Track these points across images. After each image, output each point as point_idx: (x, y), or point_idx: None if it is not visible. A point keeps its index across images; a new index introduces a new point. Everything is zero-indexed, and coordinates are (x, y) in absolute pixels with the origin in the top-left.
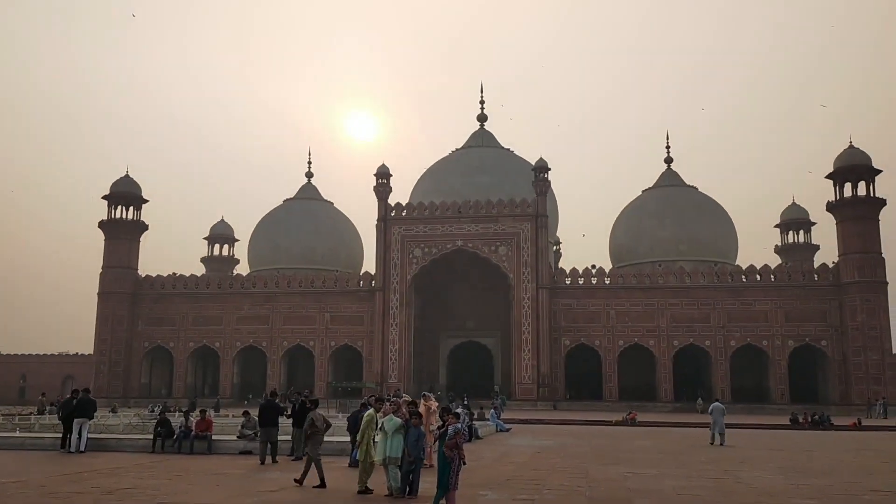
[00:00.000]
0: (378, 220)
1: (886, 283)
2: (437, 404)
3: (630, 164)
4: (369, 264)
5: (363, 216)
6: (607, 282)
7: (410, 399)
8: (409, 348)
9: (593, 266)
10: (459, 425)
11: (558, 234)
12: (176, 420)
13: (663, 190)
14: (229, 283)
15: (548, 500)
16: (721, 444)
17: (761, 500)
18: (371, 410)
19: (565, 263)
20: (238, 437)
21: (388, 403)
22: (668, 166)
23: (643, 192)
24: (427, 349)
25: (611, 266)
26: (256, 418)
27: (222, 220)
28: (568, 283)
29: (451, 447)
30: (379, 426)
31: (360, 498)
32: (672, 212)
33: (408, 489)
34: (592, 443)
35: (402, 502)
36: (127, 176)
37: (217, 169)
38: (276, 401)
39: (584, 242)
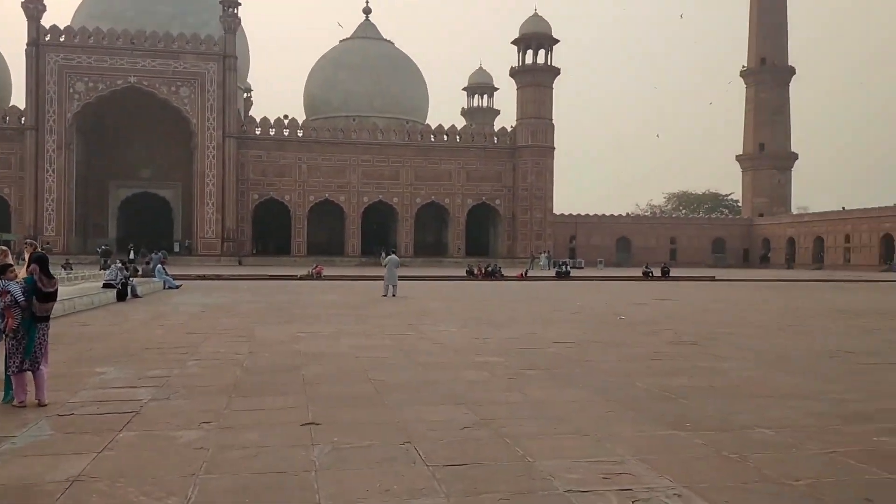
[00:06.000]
0: (28, 45)
1: (554, 148)
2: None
3: (330, 11)
4: (19, 97)
5: (8, 37)
6: (300, 134)
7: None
8: (70, 198)
9: (286, 116)
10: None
11: (249, 80)
12: None
13: (359, 42)
14: None
15: (189, 376)
16: (393, 296)
17: (447, 358)
18: None
19: (257, 113)
20: None
21: None
22: (367, 17)
23: (340, 42)
24: (93, 200)
25: (304, 118)
26: None
27: None
28: (258, 133)
29: None
30: None
31: None
32: (368, 66)
33: None
34: (271, 299)
35: None
36: None
37: None
38: None
39: (276, 93)
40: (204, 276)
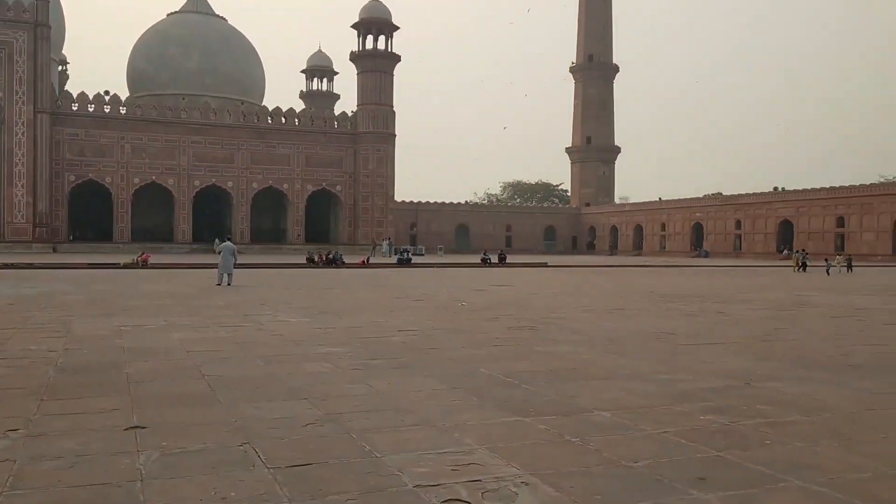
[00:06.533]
0: None
1: (395, 135)
2: None
3: None
4: None
5: None
6: (123, 111)
7: None
8: None
9: (106, 92)
10: None
11: (65, 52)
12: None
13: (190, 16)
14: None
15: None
16: (228, 285)
17: (287, 350)
18: None
19: (74, 88)
20: None
21: None
22: None
23: (168, 15)
24: None
25: (128, 95)
26: None
27: None
28: (75, 109)
29: None
30: None
31: None
32: (199, 41)
33: None
34: (91, 289)
35: None
36: None
37: None
38: None
39: (96, 66)
40: (12, 264)
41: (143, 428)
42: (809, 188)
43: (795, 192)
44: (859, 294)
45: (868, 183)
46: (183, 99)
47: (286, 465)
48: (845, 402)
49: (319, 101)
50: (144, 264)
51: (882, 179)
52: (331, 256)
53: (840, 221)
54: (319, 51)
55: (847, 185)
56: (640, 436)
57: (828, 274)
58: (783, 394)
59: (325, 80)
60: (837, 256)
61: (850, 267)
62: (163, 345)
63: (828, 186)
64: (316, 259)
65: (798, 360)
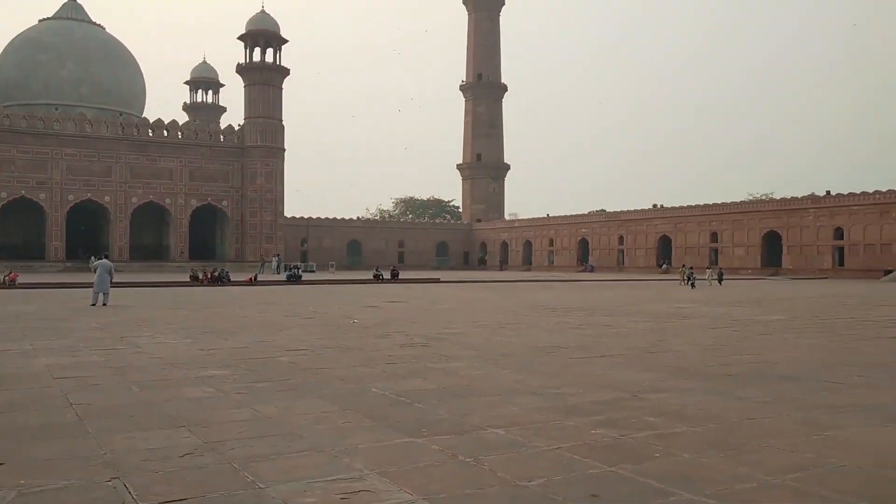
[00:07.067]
0: None
1: (284, 150)
2: None
3: None
4: None
5: None
6: None
7: None
8: None
9: None
10: None
11: None
12: None
13: (64, 23)
14: None
15: None
16: (104, 305)
17: (166, 374)
18: None
19: None
20: None
21: None
22: None
23: (40, 21)
24: None
25: None
26: None
27: None
28: None
29: None
30: None
31: None
32: (74, 50)
33: None
34: None
35: None
36: None
37: None
38: None
39: None
40: None
41: (1, 464)
42: (686, 205)
43: (673, 208)
44: (735, 306)
45: (739, 200)
46: (56, 109)
47: (160, 501)
48: (727, 411)
49: (204, 113)
50: (12, 284)
51: (751, 197)
52: (216, 274)
53: (714, 236)
54: (204, 62)
55: (720, 202)
56: (533, 453)
57: (693, 287)
58: (669, 405)
59: (210, 91)
60: (707, 270)
61: (720, 279)
62: (26, 371)
63: (702, 203)
64: (200, 277)
65: (681, 370)
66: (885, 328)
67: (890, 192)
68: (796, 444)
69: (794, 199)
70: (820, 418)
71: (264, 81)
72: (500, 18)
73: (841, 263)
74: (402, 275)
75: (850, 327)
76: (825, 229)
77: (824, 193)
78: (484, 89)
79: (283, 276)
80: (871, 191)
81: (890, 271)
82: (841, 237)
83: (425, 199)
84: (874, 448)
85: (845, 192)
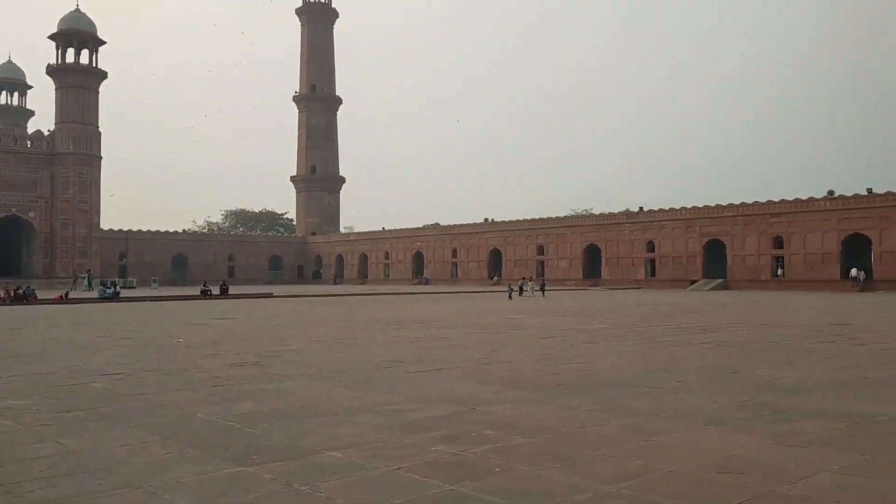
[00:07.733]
0: None
1: (101, 158)
2: None
3: None
4: None
5: None
6: None
7: None
8: None
9: None
10: None
11: None
12: None
13: None
14: None
15: None
16: None
17: None
18: None
19: None
20: None
21: None
22: None
23: None
24: None
25: None
26: None
27: None
28: None
29: None
30: None
31: None
32: None
33: None
34: None
35: None
36: None
37: None
38: None
39: None
40: None
41: None
42: (515, 219)
43: (503, 222)
44: (561, 316)
45: (562, 215)
46: None
47: None
48: (561, 421)
49: (10, 116)
50: None
51: (573, 212)
52: (21, 292)
53: (540, 249)
54: (10, 62)
55: (546, 217)
56: (373, 475)
57: (510, 298)
58: (506, 417)
59: (16, 94)
60: (530, 281)
61: (542, 290)
62: None
63: (530, 218)
64: (2, 295)
65: (515, 381)
66: (694, 334)
67: (694, 208)
68: (627, 452)
69: (611, 214)
70: (646, 424)
71: (78, 84)
72: (335, 31)
73: (653, 274)
74: (232, 290)
75: (664, 334)
76: (638, 243)
77: (637, 209)
78: (318, 101)
79: (95, 294)
80: (678, 207)
81: (695, 281)
82: (652, 250)
83: (258, 211)
84: (697, 452)
85: (656, 209)
